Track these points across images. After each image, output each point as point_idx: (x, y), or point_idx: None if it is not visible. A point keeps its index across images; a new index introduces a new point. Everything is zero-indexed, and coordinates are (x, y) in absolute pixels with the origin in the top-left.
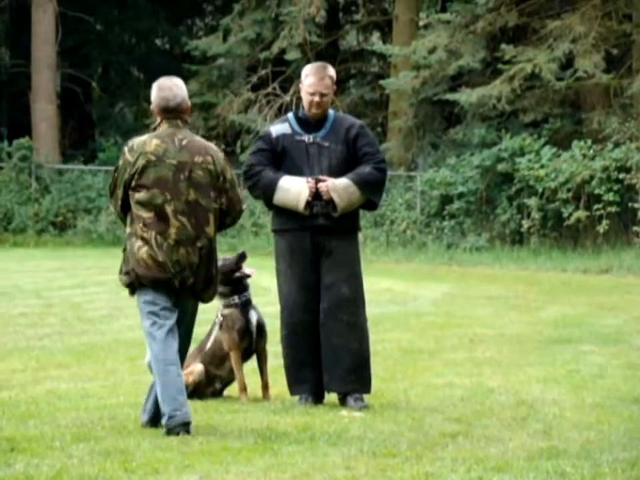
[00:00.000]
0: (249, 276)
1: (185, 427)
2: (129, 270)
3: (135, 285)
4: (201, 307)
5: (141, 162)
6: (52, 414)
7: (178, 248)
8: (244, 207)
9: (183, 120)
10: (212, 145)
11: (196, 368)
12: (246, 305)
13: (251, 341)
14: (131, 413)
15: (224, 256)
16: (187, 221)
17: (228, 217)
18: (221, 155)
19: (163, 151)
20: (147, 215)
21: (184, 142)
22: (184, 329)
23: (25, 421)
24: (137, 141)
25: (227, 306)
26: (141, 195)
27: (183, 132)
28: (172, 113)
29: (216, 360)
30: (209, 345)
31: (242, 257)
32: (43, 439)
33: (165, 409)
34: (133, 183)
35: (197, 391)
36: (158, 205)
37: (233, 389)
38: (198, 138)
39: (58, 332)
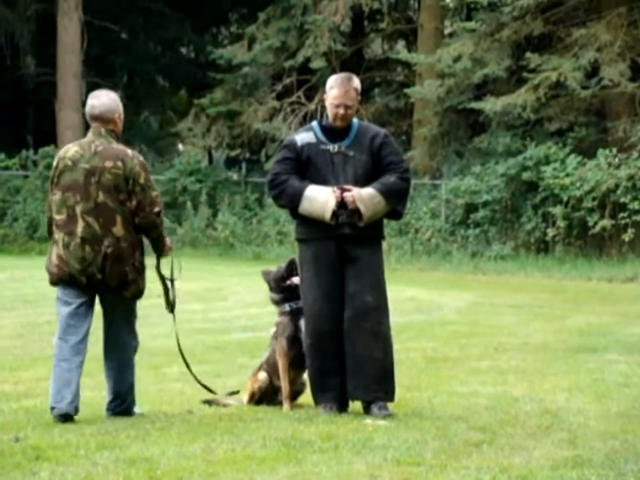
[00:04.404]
0: (298, 285)
1: (64, 417)
2: (47, 269)
3: (52, 282)
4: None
5: (60, 166)
6: (77, 422)
7: (84, 245)
8: (156, 209)
9: (108, 129)
10: (129, 152)
11: (260, 376)
12: (297, 313)
13: (300, 349)
14: (155, 420)
15: (279, 264)
16: (93, 220)
17: (136, 217)
18: (135, 161)
19: (79, 157)
20: (59, 217)
21: (99, 148)
22: (111, 326)
23: (50, 429)
24: (65, 147)
25: (280, 314)
26: (56, 197)
27: (102, 139)
28: (96, 120)
29: (276, 369)
30: (268, 354)
31: (291, 264)
32: (67, 447)
33: (50, 400)
34: (53, 186)
35: (264, 398)
36: (70, 207)
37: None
38: (115, 145)
39: None
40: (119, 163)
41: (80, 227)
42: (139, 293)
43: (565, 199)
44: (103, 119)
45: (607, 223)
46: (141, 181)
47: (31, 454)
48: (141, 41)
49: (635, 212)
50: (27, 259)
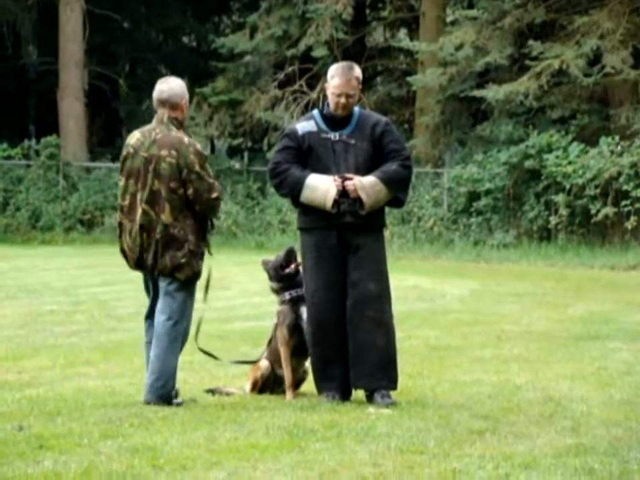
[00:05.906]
0: (298, 271)
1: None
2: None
3: (129, 266)
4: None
5: (124, 153)
6: (80, 411)
7: (141, 232)
8: (214, 195)
9: (171, 117)
10: (185, 140)
11: (262, 363)
12: (297, 301)
13: (301, 337)
14: (158, 409)
15: (277, 253)
16: (149, 208)
17: (196, 204)
18: (191, 149)
19: (140, 144)
20: (124, 202)
21: (158, 136)
22: (164, 309)
23: (53, 418)
24: (131, 134)
25: (280, 303)
26: (121, 183)
27: (162, 127)
28: (162, 105)
29: (278, 358)
30: (271, 343)
31: (290, 253)
32: (71, 435)
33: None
34: (120, 172)
35: (266, 385)
36: (132, 194)
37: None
38: (174, 134)
39: (86, 329)
40: (174, 152)
41: (139, 214)
42: (194, 276)
43: (568, 186)
44: (171, 103)
45: (609, 210)
46: (196, 169)
47: (35, 443)
48: (142, 29)
49: (638, 199)
50: (30, 249)
